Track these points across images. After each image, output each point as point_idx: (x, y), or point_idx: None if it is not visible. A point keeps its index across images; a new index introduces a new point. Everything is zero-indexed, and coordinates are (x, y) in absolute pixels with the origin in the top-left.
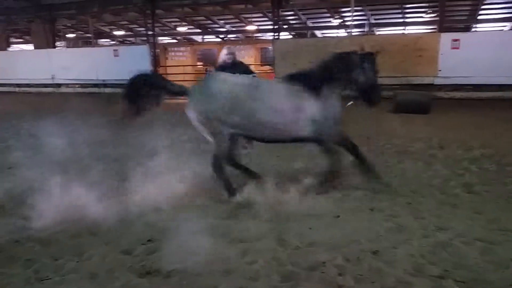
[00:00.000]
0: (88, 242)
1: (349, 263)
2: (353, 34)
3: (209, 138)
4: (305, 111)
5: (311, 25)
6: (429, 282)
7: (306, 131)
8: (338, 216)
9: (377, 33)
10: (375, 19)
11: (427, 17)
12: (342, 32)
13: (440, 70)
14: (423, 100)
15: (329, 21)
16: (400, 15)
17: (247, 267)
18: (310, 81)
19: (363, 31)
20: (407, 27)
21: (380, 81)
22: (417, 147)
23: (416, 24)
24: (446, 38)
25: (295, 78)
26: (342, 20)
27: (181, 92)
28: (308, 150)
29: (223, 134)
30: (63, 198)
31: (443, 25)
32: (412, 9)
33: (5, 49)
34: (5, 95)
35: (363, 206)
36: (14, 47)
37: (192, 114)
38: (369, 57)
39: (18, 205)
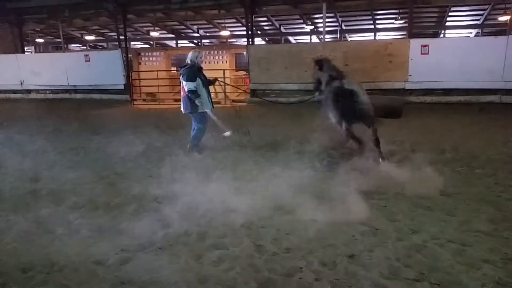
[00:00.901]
0: (59, 253)
1: (326, 267)
2: (325, 40)
3: None
4: None
5: (284, 31)
6: (405, 285)
7: None
8: (315, 220)
9: (349, 39)
10: (347, 26)
11: (397, 23)
12: (315, 38)
13: (410, 75)
14: (395, 105)
15: (302, 27)
16: (371, 22)
17: (223, 274)
18: None
19: (335, 37)
20: (378, 33)
21: None
22: (389, 150)
23: (387, 30)
24: (416, 43)
25: None
26: (314, 27)
27: None
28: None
29: None
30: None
31: (413, 31)
32: (382, 16)
33: None
34: None
35: (338, 209)
36: None
37: None
38: None
39: None
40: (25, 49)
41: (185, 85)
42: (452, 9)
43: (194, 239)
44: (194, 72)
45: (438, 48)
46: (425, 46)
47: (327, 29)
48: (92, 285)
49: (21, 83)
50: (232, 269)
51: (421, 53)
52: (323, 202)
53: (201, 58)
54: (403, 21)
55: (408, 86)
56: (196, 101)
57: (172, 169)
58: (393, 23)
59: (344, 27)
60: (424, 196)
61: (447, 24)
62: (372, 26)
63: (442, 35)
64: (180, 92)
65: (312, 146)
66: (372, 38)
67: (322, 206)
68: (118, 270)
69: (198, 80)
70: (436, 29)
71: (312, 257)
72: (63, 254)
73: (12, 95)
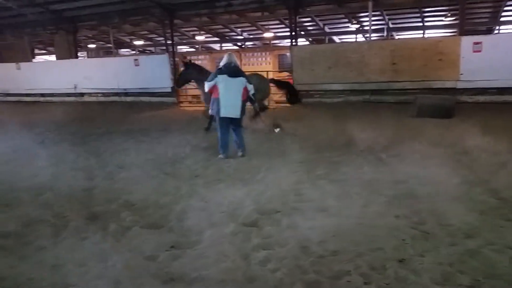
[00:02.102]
0: (112, 249)
1: (375, 271)
2: (371, 39)
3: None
4: None
5: (328, 30)
6: None
7: None
8: (362, 223)
9: (396, 37)
10: (394, 24)
11: (447, 20)
12: (360, 37)
13: (462, 74)
14: (446, 104)
15: (347, 27)
16: (419, 19)
17: (270, 274)
18: None
19: (382, 36)
20: (427, 31)
21: (401, 86)
22: (440, 153)
23: (436, 28)
24: (468, 41)
25: None
26: (360, 25)
27: None
28: None
29: None
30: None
31: (464, 28)
32: (431, 13)
33: (30, 60)
34: (30, 104)
35: (388, 212)
36: (38, 58)
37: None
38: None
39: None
40: (78, 54)
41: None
42: (508, 3)
43: (240, 239)
44: (216, 74)
45: (492, 45)
46: (477, 43)
47: (373, 27)
48: (143, 281)
49: (75, 87)
50: (278, 270)
51: (473, 51)
52: (369, 205)
53: (229, 61)
54: (453, 18)
55: (460, 85)
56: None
57: (218, 169)
58: (442, 20)
59: (391, 25)
60: (478, 200)
61: (503, 19)
62: (420, 24)
63: (496, 31)
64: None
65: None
66: (420, 36)
67: (369, 208)
68: (168, 266)
69: (219, 84)
70: (490, 25)
71: (360, 261)
72: (116, 251)
73: (67, 98)
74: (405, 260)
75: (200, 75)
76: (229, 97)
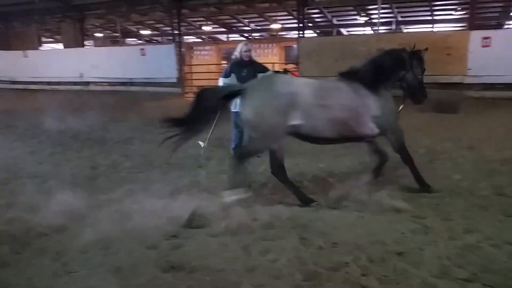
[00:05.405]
0: (114, 237)
1: (373, 263)
2: (380, 31)
3: (261, 142)
4: (369, 108)
5: (336, 23)
6: (456, 285)
7: (370, 128)
8: (363, 216)
9: (405, 31)
10: (403, 17)
11: (456, 14)
12: (368, 30)
13: (469, 69)
14: (453, 99)
15: (355, 19)
16: (428, 13)
17: (270, 265)
18: (367, 78)
19: (390, 29)
20: (436, 25)
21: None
22: (445, 147)
23: (445, 22)
24: (476, 36)
25: (351, 76)
26: (368, 18)
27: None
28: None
29: (281, 135)
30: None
31: (474, 23)
32: (440, 7)
33: (37, 48)
34: (36, 92)
35: (388, 206)
36: (46, 46)
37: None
38: (418, 55)
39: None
40: (85, 43)
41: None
42: None
43: (241, 229)
44: (232, 66)
45: (502, 40)
46: (486, 38)
47: (382, 20)
48: (144, 269)
49: (81, 76)
50: (278, 260)
51: (482, 46)
52: (371, 198)
53: (245, 51)
54: (463, 12)
55: (467, 80)
56: None
57: (220, 160)
58: (452, 14)
59: (400, 19)
60: (480, 195)
61: None
62: (429, 18)
63: (507, 26)
64: None
65: None
66: (429, 30)
67: (370, 202)
68: (169, 255)
69: (233, 76)
70: (500, 20)
71: (359, 253)
72: (118, 238)
73: (73, 87)
74: (404, 253)
75: None
76: None
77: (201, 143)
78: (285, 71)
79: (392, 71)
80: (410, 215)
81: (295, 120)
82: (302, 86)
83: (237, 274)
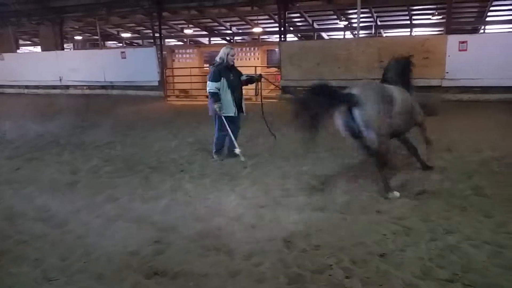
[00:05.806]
0: (95, 243)
1: (356, 265)
2: (360, 36)
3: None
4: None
5: (317, 27)
6: (438, 286)
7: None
8: (345, 218)
9: (384, 35)
10: (382, 21)
11: (434, 19)
12: (348, 34)
13: (447, 72)
14: (431, 102)
15: (336, 23)
16: (407, 17)
17: (253, 268)
18: (404, 81)
19: (370, 33)
20: (414, 29)
21: None
22: (424, 149)
23: (423, 26)
24: (454, 40)
25: (390, 80)
26: (348, 22)
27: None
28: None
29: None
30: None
31: (450, 27)
32: (419, 11)
33: (14, 51)
34: (13, 96)
35: (370, 208)
36: (23, 49)
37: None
38: (410, 61)
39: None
40: (65, 46)
41: (207, 85)
42: (494, 3)
43: (224, 233)
44: (220, 71)
45: (477, 44)
46: (463, 42)
47: (361, 24)
48: (126, 275)
49: (60, 79)
50: (261, 264)
51: (459, 50)
52: (353, 200)
53: (232, 55)
54: (440, 17)
55: (445, 83)
56: (215, 106)
57: (203, 165)
58: (430, 19)
59: (379, 23)
60: (459, 196)
61: (488, 19)
62: (408, 22)
63: (482, 31)
64: None
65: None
66: (408, 34)
67: (353, 204)
68: (152, 261)
69: (224, 80)
70: (475, 25)
71: (342, 255)
72: (99, 245)
73: (52, 91)
74: (386, 254)
75: None
76: (229, 95)
77: (237, 151)
78: (260, 76)
79: (406, 75)
80: (390, 216)
81: (393, 119)
82: (393, 91)
83: (221, 279)
